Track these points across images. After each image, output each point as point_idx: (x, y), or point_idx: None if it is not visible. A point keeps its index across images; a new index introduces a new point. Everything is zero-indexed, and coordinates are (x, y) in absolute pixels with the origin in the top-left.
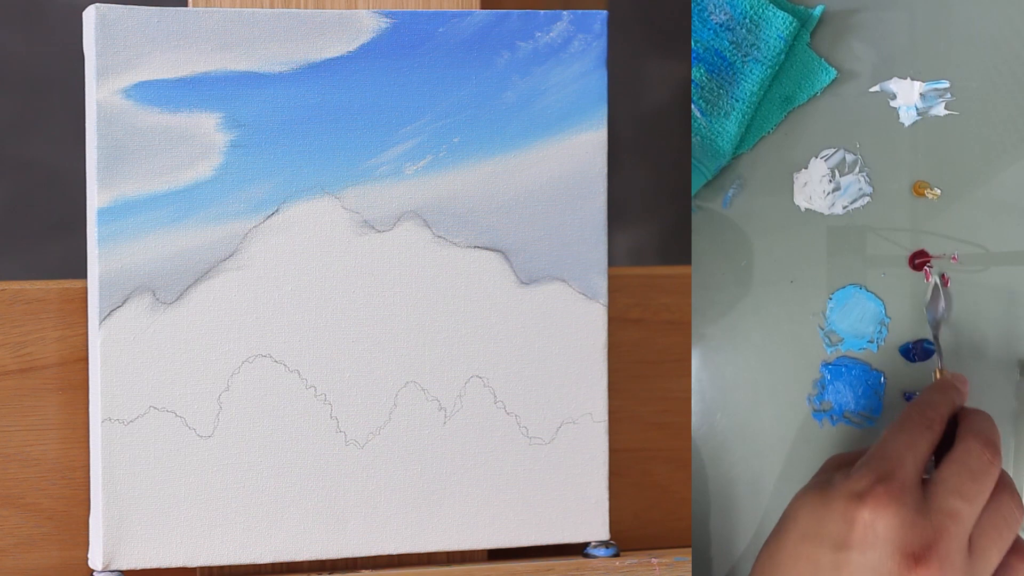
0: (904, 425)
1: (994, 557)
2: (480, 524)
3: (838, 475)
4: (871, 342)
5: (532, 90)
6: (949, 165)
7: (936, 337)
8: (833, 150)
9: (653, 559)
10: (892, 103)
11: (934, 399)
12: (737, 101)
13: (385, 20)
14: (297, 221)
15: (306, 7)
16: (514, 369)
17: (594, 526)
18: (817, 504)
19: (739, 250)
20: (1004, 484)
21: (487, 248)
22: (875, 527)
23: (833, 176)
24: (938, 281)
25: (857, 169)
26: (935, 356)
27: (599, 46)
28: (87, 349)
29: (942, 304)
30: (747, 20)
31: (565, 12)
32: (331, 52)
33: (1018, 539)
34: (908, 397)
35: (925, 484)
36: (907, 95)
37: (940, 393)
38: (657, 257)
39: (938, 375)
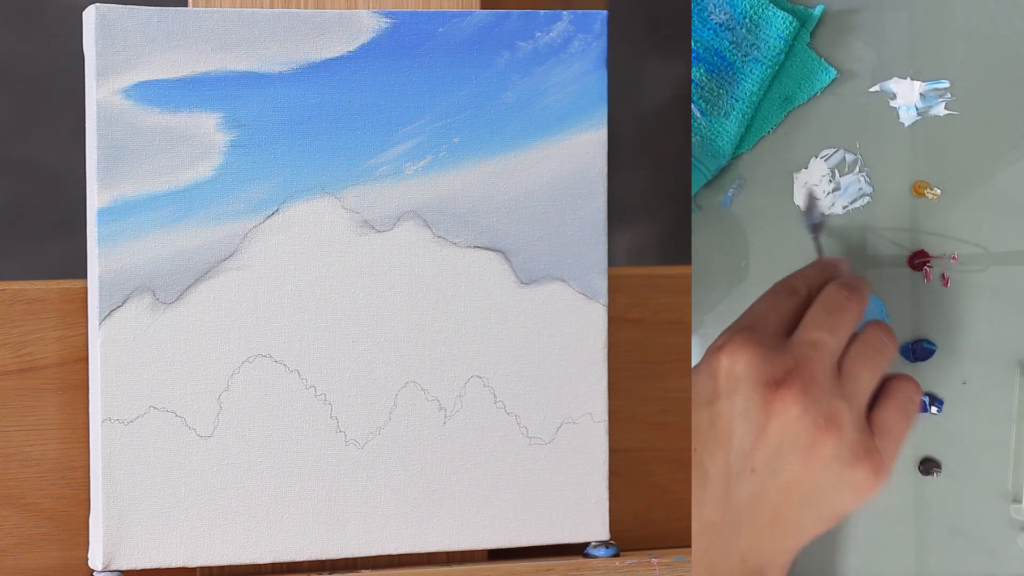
0: (767, 293)
1: (866, 378)
2: (480, 524)
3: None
4: None
5: (532, 90)
6: (949, 165)
7: (816, 239)
8: (833, 150)
9: (653, 559)
10: (892, 103)
11: (803, 271)
12: (737, 101)
13: (385, 20)
14: (297, 221)
15: (306, 7)
16: (514, 369)
17: (594, 526)
18: (695, 374)
19: (739, 250)
20: (876, 322)
21: (487, 248)
22: (734, 369)
23: (833, 176)
24: (812, 188)
25: (857, 169)
26: (817, 254)
27: (599, 46)
28: (87, 349)
29: (817, 210)
30: (747, 20)
31: (565, 12)
32: (331, 52)
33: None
34: None
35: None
36: (907, 95)
37: (811, 267)
38: (657, 257)
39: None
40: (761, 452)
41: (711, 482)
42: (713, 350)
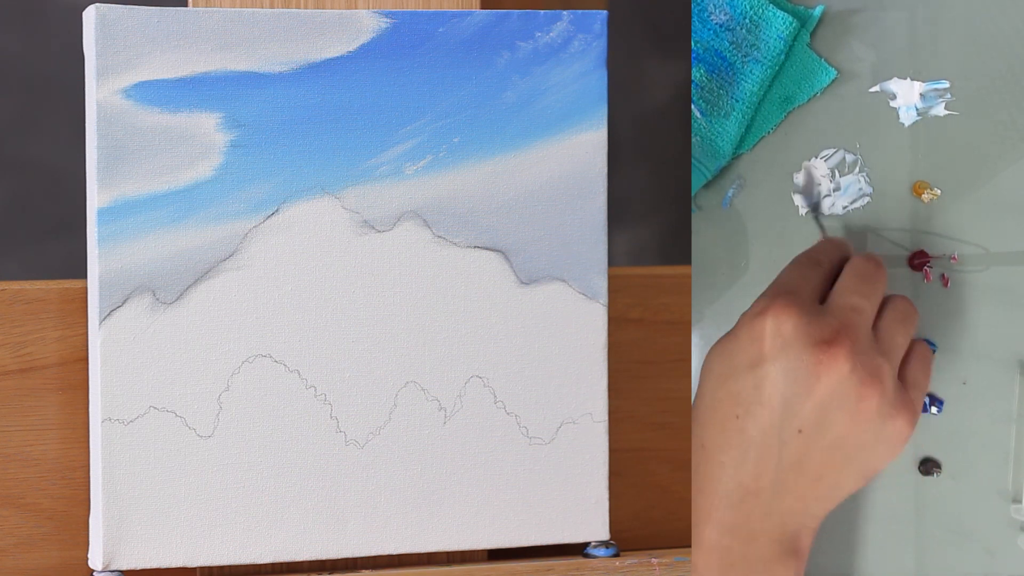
0: (793, 263)
1: (900, 340)
2: (480, 524)
3: (739, 318)
4: None
5: (532, 90)
6: (949, 165)
7: (817, 217)
8: (833, 150)
9: (653, 559)
10: (892, 103)
11: (819, 246)
12: (737, 101)
13: (385, 20)
14: (297, 221)
15: (306, 7)
16: (514, 369)
17: (594, 526)
18: (724, 347)
19: (739, 250)
20: (896, 294)
21: (487, 248)
22: (781, 332)
23: (833, 176)
24: (809, 169)
25: (857, 169)
26: (820, 233)
27: (599, 46)
28: (87, 349)
29: (815, 189)
30: (747, 20)
31: (565, 12)
32: (331, 52)
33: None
34: None
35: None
36: (907, 95)
37: (825, 243)
38: (657, 257)
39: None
40: (809, 411)
41: (752, 448)
42: (753, 315)
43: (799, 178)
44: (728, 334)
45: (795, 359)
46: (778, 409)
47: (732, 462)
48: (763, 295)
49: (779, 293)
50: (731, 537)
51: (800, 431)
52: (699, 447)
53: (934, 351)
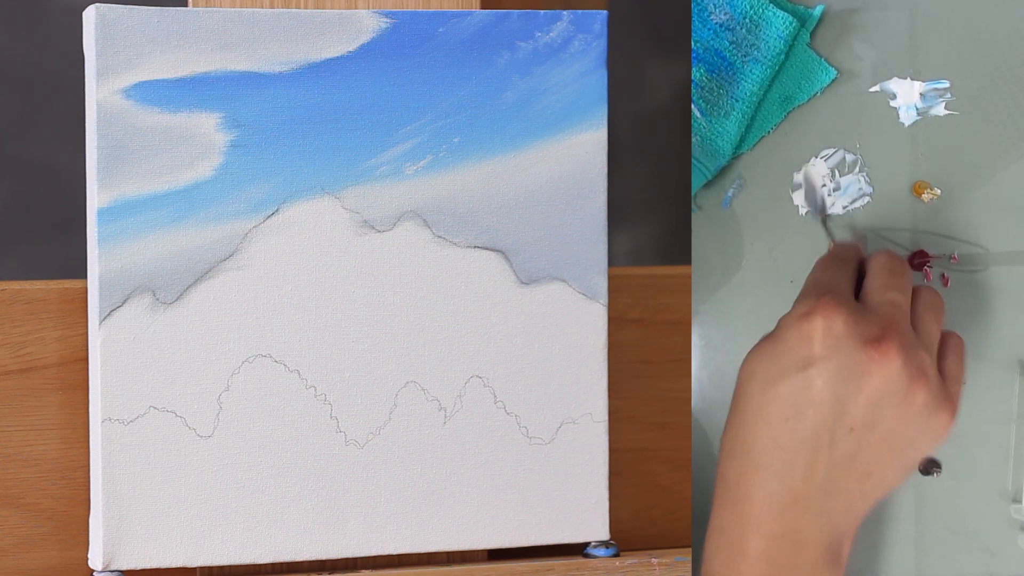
0: (823, 265)
1: (935, 331)
2: (480, 524)
3: (781, 320)
4: None
5: (532, 90)
6: (949, 165)
7: (824, 222)
8: (833, 150)
9: (653, 559)
10: (892, 103)
11: (840, 247)
12: (737, 101)
13: (385, 20)
14: (297, 221)
15: (306, 7)
16: (514, 369)
17: (594, 526)
18: (769, 350)
19: (739, 250)
20: (921, 286)
21: (487, 248)
22: (832, 330)
23: (833, 176)
24: (812, 173)
25: (857, 169)
26: (828, 238)
27: (599, 46)
28: (87, 349)
29: (818, 194)
30: (747, 20)
31: (565, 12)
32: (331, 52)
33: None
34: None
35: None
36: (907, 95)
37: (843, 246)
38: (657, 257)
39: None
40: (861, 408)
41: (802, 449)
42: (800, 316)
43: (800, 181)
44: (769, 337)
45: (847, 357)
46: (830, 408)
47: (782, 465)
48: (802, 296)
49: (822, 293)
50: (779, 545)
51: (851, 429)
52: (743, 454)
53: None
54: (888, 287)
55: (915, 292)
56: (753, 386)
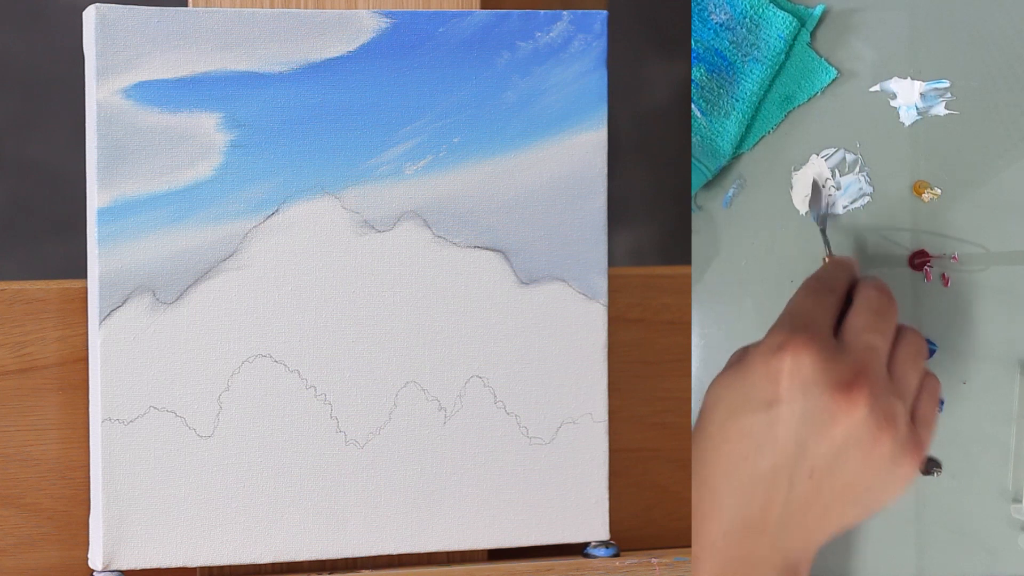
0: (807, 290)
1: (913, 379)
2: (480, 524)
3: (750, 348)
4: None
5: (532, 90)
6: (949, 165)
7: (824, 231)
8: (833, 150)
9: (653, 559)
10: (892, 103)
11: (830, 270)
12: (737, 101)
13: (385, 20)
14: (297, 221)
15: (306, 7)
16: (514, 369)
17: (594, 526)
18: (736, 377)
19: (739, 250)
20: (906, 327)
21: (487, 248)
22: (800, 372)
23: (833, 176)
24: (816, 178)
25: (857, 169)
26: (825, 248)
27: (599, 46)
28: (87, 349)
29: (823, 201)
30: (747, 20)
31: (565, 12)
32: (331, 52)
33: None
34: None
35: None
36: (907, 95)
37: (834, 266)
38: (657, 257)
39: (827, 261)
40: (823, 454)
41: (760, 486)
42: (770, 351)
43: (804, 187)
44: (738, 366)
45: (813, 401)
46: (791, 450)
47: (738, 497)
48: (777, 327)
49: (796, 327)
50: (733, 568)
51: (812, 473)
52: (701, 481)
53: (934, 351)
54: (869, 328)
55: (898, 334)
56: (716, 415)
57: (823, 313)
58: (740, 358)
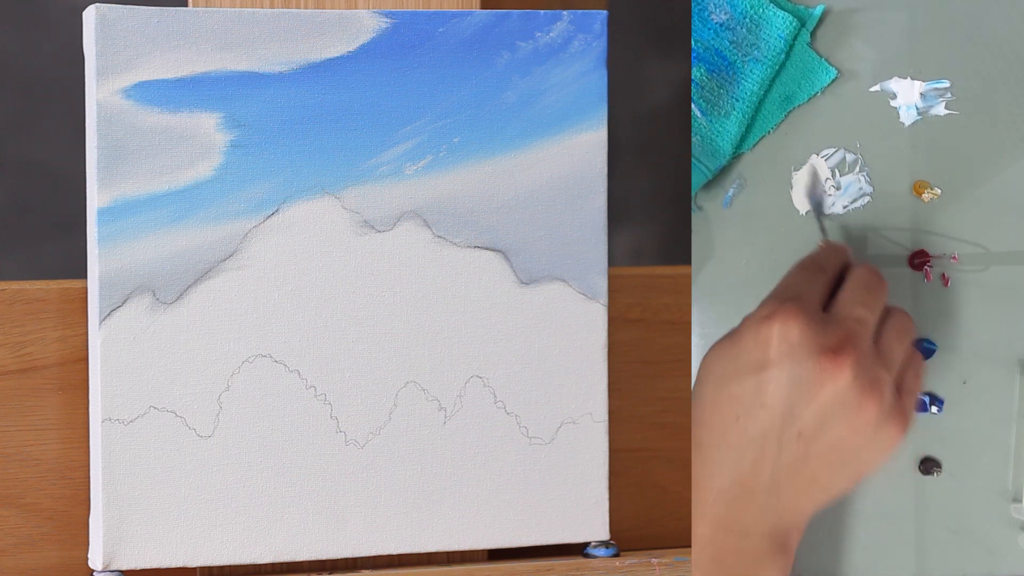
0: (800, 267)
1: (898, 352)
2: (480, 524)
3: (742, 321)
4: None
5: (532, 90)
6: (949, 165)
7: (818, 217)
8: (833, 150)
9: (653, 559)
10: (892, 103)
11: (823, 251)
12: (737, 101)
13: (385, 20)
14: (297, 221)
15: (306, 7)
16: (514, 369)
17: (594, 526)
18: (727, 347)
19: (739, 250)
20: (895, 307)
21: (487, 248)
22: (788, 337)
23: (833, 176)
24: (815, 164)
25: (857, 169)
26: (821, 234)
27: (599, 46)
28: (87, 349)
29: (820, 187)
30: (747, 20)
31: (565, 12)
32: (331, 52)
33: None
34: None
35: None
36: (907, 95)
37: (827, 249)
38: (657, 257)
39: (821, 245)
40: (810, 417)
41: (750, 448)
42: (759, 319)
43: (803, 176)
44: (731, 335)
45: (800, 365)
46: (780, 413)
47: (730, 461)
48: (768, 299)
49: (786, 298)
50: (725, 533)
51: (799, 435)
52: (697, 445)
53: (934, 351)
54: (858, 302)
55: (887, 313)
56: (710, 382)
57: (813, 288)
58: (731, 331)
